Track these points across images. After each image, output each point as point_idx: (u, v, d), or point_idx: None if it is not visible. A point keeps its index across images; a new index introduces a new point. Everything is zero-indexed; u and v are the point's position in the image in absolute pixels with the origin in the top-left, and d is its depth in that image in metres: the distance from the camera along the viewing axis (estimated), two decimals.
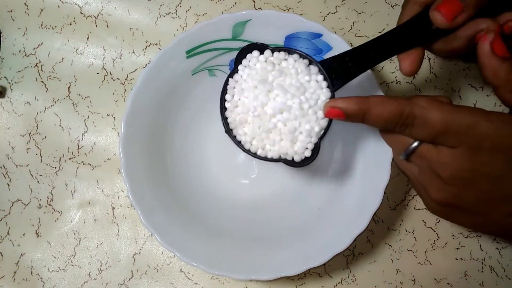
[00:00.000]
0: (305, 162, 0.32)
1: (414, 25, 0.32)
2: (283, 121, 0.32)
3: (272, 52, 0.33)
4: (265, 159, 0.33)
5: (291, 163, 0.33)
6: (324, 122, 0.32)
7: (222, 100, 0.34)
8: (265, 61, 0.33)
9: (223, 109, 0.34)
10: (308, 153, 0.32)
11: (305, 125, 0.32)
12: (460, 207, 0.29)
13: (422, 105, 0.28)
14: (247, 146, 0.33)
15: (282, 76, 0.32)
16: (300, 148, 0.32)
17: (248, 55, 0.33)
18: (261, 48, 0.33)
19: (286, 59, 0.33)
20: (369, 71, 0.38)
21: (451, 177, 0.28)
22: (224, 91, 0.34)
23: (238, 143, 0.34)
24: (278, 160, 0.33)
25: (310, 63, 0.33)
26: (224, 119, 0.34)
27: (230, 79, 0.33)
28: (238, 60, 0.34)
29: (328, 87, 0.33)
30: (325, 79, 0.33)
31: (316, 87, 0.32)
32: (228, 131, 0.34)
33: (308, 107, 0.32)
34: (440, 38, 0.32)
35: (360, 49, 0.33)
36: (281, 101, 0.32)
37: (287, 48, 0.33)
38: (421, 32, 0.32)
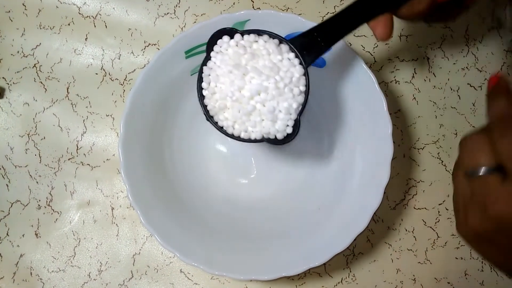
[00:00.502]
0: (287, 139, 0.33)
1: None
2: (261, 102, 0.32)
3: (242, 36, 0.33)
4: (249, 141, 0.34)
5: (274, 141, 0.33)
6: (300, 98, 0.33)
7: (199, 89, 0.34)
8: (236, 45, 0.33)
9: (201, 97, 0.34)
10: (289, 130, 0.33)
11: (283, 103, 0.32)
12: (492, 243, 0.28)
13: None
14: (229, 131, 0.34)
15: (255, 59, 0.32)
16: (281, 126, 0.33)
17: (219, 41, 0.33)
18: (231, 32, 0.33)
19: (256, 41, 0.33)
20: (370, 74, 0.38)
21: (498, 217, 0.26)
22: (200, 80, 0.34)
23: (221, 129, 0.34)
24: (262, 140, 0.34)
25: (280, 42, 0.33)
26: (204, 107, 0.34)
27: (204, 67, 0.34)
28: (209, 47, 0.34)
29: (300, 63, 0.33)
30: (296, 56, 0.33)
31: (289, 65, 0.33)
32: (209, 118, 0.34)
33: (283, 86, 0.32)
34: (405, 3, 0.33)
35: (327, 22, 0.34)
36: (257, 83, 0.32)
37: (256, 30, 0.33)
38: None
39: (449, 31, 0.47)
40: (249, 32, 0.33)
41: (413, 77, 0.47)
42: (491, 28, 0.47)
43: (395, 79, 0.47)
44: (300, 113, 0.33)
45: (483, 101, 0.47)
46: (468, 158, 0.28)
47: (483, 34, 0.47)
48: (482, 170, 0.26)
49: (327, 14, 0.47)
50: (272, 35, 0.33)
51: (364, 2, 0.33)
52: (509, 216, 0.25)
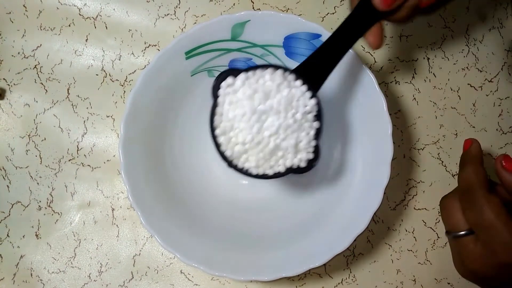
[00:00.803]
0: (311, 165, 0.33)
1: (366, 7, 0.33)
2: (282, 138, 0.32)
3: (247, 73, 0.32)
4: (274, 176, 0.33)
5: (298, 171, 0.33)
6: (316, 124, 0.33)
7: (214, 137, 0.32)
8: (243, 85, 0.32)
9: (217, 146, 0.33)
10: (311, 156, 0.33)
11: (301, 133, 0.32)
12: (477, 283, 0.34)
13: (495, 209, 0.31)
14: (254, 172, 0.33)
15: (267, 97, 0.31)
16: (303, 155, 0.33)
17: (223, 84, 0.32)
18: (234, 72, 0.32)
19: (262, 77, 0.32)
20: (370, 75, 0.38)
21: (476, 272, 0.32)
22: (212, 128, 0.32)
23: (245, 172, 0.33)
24: (287, 173, 0.33)
25: (284, 71, 0.32)
26: (222, 155, 0.33)
27: (215, 116, 0.32)
28: (215, 91, 0.32)
29: (308, 90, 0.32)
30: (303, 83, 0.32)
31: (299, 95, 0.32)
32: (230, 164, 0.33)
33: (300, 118, 0.32)
34: (392, 13, 0.34)
35: (327, 45, 0.33)
36: (276, 122, 0.31)
37: (260, 65, 0.32)
38: (374, 11, 0.33)
39: (449, 31, 0.47)
40: (251, 69, 0.32)
41: (413, 77, 0.47)
42: (491, 28, 0.47)
43: (395, 80, 0.47)
44: (318, 138, 0.33)
45: (484, 102, 0.47)
46: (447, 223, 0.34)
47: (484, 34, 0.47)
48: (459, 233, 0.33)
49: (327, 14, 0.47)
50: (275, 66, 0.32)
51: (355, 17, 0.33)
52: (482, 274, 0.32)
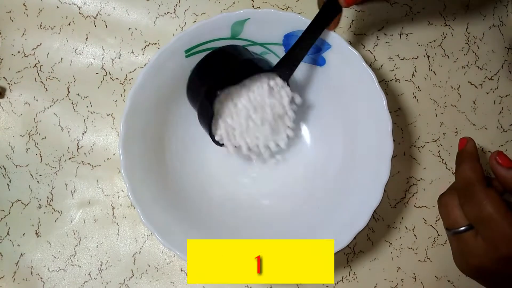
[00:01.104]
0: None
1: (332, 4, 0.37)
2: (269, 131, 0.40)
3: (233, 84, 0.37)
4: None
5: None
6: (291, 113, 0.40)
7: (212, 135, 0.40)
8: (237, 97, 0.38)
9: (213, 136, 0.40)
10: (291, 133, 0.41)
11: (284, 119, 0.40)
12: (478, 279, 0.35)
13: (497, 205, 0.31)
14: (244, 152, 0.40)
15: (261, 109, 0.38)
16: (284, 135, 0.41)
17: (219, 93, 0.37)
18: (223, 80, 0.37)
19: (252, 91, 0.38)
20: (370, 73, 0.38)
21: (477, 267, 0.32)
22: (210, 128, 0.39)
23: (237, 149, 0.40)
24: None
25: (268, 74, 0.38)
26: (218, 143, 0.40)
27: (214, 120, 0.39)
28: (211, 97, 0.37)
29: (284, 81, 0.38)
30: (281, 78, 0.39)
31: (279, 90, 0.39)
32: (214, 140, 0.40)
33: (282, 111, 0.39)
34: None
35: (301, 39, 0.37)
36: (265, 122, 0.39)
37: (242, 74, 0.37)
38: (338, 6, 0.37)
39: (449, 29, 0.47)
40: (240, 78, 0.37)
41: (413, 75, 0.47)
42: (492, 25, 0.47)
43: (395, 78, 0.47)
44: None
45: (484, 99, 0.47)
46: (446, 220, 0.34)
47: (484, 31, 0.47)
48: (459, 229, 0.33)
49: None
50: (259, 70, 0.37)
51: (325, 13, 0.37)
52: (483, 268, 0.32)
